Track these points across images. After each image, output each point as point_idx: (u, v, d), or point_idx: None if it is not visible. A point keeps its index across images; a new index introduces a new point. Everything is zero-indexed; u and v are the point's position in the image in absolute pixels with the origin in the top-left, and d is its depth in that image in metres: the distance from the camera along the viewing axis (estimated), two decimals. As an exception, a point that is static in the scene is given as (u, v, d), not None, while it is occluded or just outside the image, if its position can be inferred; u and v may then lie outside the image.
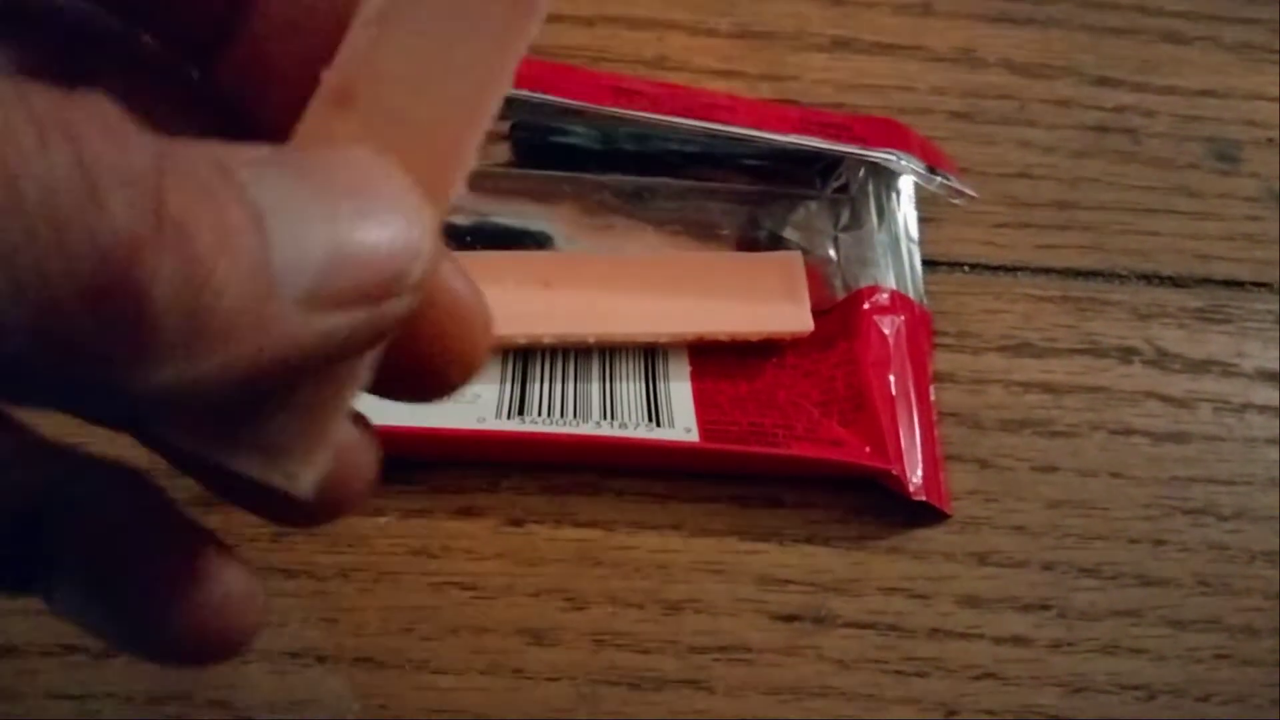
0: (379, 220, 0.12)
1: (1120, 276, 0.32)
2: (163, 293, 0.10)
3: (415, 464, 0.28)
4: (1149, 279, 0.32)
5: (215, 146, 0.12)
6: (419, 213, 0.12)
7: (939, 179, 0.29)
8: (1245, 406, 0.30)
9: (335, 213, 0.12)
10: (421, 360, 0.15)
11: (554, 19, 0.35)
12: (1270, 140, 0.35)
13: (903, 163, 0.29)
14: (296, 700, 0.25)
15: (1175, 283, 0.32)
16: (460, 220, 0.31)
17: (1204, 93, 0.36)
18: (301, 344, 0.11)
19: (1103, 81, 0.36)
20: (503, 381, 0.28)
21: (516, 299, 0.29)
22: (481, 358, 0.15)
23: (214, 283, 0.10)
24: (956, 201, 0.31)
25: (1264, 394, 0.31)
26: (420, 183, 0.13)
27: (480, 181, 0.31)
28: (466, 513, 0.27)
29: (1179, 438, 0.30)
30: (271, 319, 0.11)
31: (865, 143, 0.29)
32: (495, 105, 0.14)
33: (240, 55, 0.15)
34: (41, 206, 0.10)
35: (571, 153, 0.31)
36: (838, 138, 0.29)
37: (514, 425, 0.27)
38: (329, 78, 0.13)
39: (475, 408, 0.27)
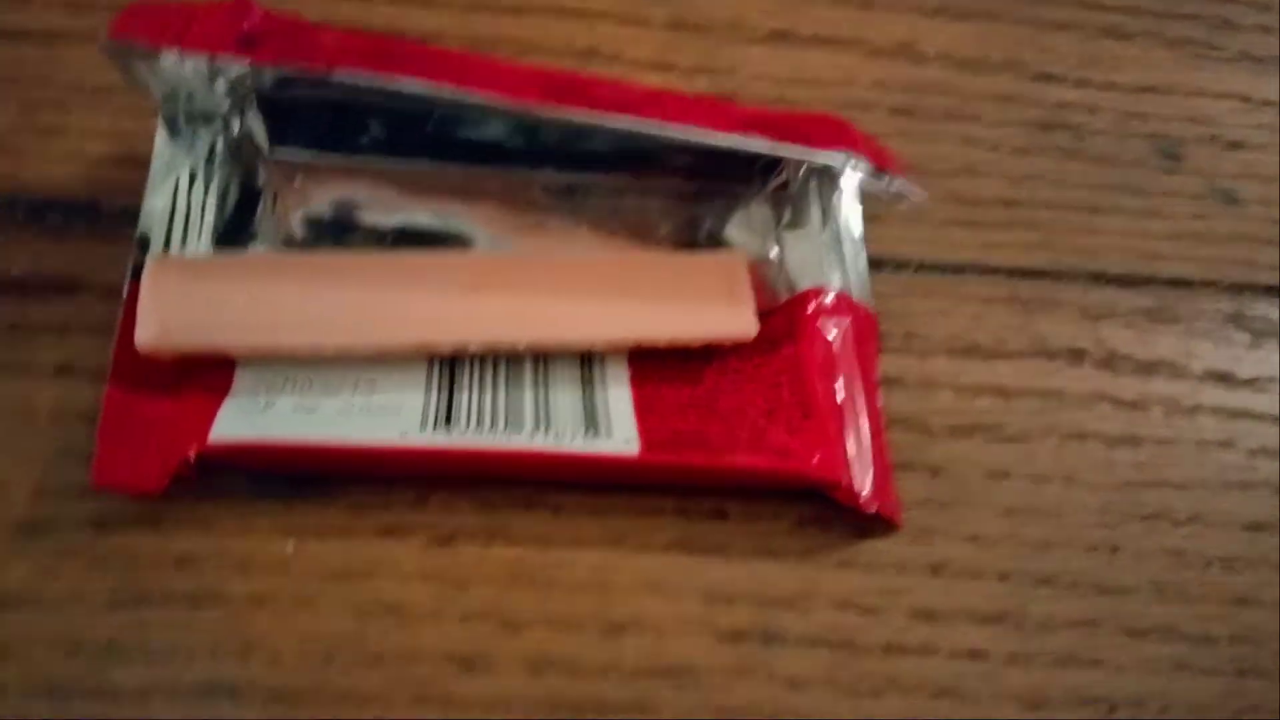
0: None
1: (1068, 276, 0.31)
2: None
3: (334, 481, 0.26)
4: (1096, 278, 0.31)
5: None
6: None
7: (887, 180, 0.28)
8: (1195, 408, 0.30)
9: None
10: None
11: (480, 8, 0.34)
12: (1213, 137, 0.35)
13: (851, 165, 0.28)
14: (205, 741, 0.23)
15: (1123, 282, 0.32)
16: (381, 219, 0.29)
17: (1146, 89, 0.35)
18: None
19: (1044, 77, 0.35)
20: (427, 390, 0.26)
21: (440, 303, 0.27)
22: None
23: None
24: (903, 205, 0.29)
25: (1213, 395, 0.30)
26: None
27: (401, 178, 0.30)
28: (390, 532, 0.25)
29: (1131, 441, 0.29)
30: None
31: (810, 142, 0.28)
32: None
33: None
34: None
35: (493, 148, 0.30)
36: (782, 137, 0.27)
37: (440, 438, 0.25)
38: None
39: (398, 420, 0.26)
